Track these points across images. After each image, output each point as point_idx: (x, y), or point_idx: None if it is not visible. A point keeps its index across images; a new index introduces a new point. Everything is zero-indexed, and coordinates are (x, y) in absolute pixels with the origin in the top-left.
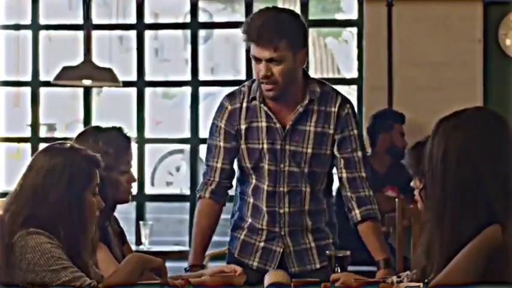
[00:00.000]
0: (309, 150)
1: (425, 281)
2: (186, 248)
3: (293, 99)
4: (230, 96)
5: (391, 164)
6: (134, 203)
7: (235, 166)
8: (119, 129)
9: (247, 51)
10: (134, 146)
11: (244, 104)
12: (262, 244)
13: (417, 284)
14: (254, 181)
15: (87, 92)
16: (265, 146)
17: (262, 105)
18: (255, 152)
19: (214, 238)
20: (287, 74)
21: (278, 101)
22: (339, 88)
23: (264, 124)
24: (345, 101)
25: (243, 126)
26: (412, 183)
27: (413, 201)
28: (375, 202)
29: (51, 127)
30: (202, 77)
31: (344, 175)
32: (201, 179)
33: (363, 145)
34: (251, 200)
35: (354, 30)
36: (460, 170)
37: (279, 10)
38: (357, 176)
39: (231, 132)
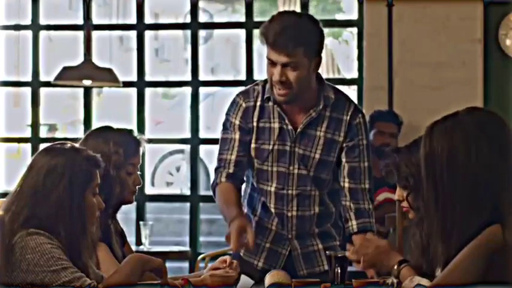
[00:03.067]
0: (317, 156)
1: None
2: (186, 248)
3: (306, 103)
4: (244, 94)
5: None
6: (134, 203)
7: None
8: (130, 131)
9: (248, 51)
10: (144, 148)
11: (258, 103)
12: (268, 245)
13: (427, 280)
14: (256, 181)
15: (87, 92)
16: (275, 147)
17: (275, 106)
18: (264, 152)
19: (214, 238)
20: (301, 80)
21: (291, 104)
22: (339, 88)
23: (276, 125)
24: (357, 110)
25: (255, 124)
26: (397, 194)
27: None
28: (372, 215)
29: (53, 127)
30: (202, 77)
31: (347, 185)
32: (201, 179)
33: (370, 156)
34: (261, 198)
35: (354, 30)
36: (469, 169)
37: (299, 15)
38: (359, 188)
39: (245, 128)
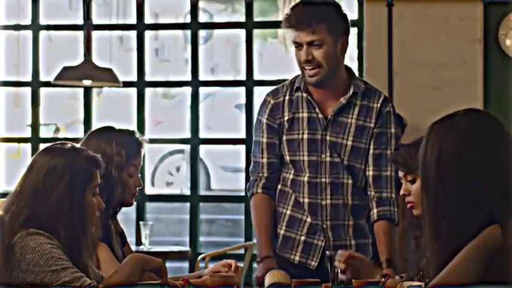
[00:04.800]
0: (349, 143)
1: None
2: (186, 248)
3: (336, 90)
4: (273, 92)
5: None
6: (134, 203)
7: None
8: (132, 132)
9: (248, 51)
10: (145, 149)
11: (287, 97)
12: (303, 238)
13: (419, 283)
14: (293, 174)
15: (87, 92)
16: (305, 136)
17: (305, 94)
18: (294, 142)
19: (214, 238)
20: (329, 57)
21: (322, 89)
22: None
23: (305, 115)
24: (387, 99)
25: (285, 119)
26: (403, 188)
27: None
28: (395, 204)
29: (57, 128)
30: (202, 77)
31: (371, 173)
32: (201, 179)
33: (395, 145)
34: (291, 192)
35: (354, 30)
36: (454, 171)
37: (325, 2)
38: (383, 175)
39: (273, 126)
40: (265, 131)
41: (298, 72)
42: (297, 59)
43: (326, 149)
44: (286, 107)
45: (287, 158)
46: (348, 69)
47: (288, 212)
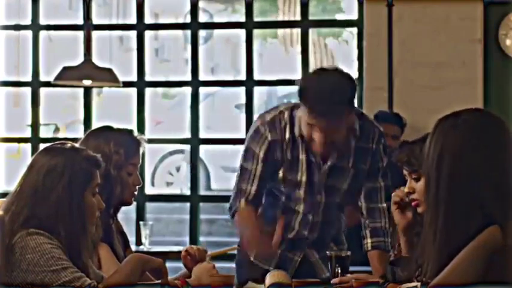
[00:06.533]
0: (345, 186)
1: (423, 279)
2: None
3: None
4: (269, 125)
5: None
6: (134, 203)
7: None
8: (130, 131)
9: (248, 51)
10: (144, 148)
11: (287, 135)
12: (279, 251)
13: (415, 283)
14: (286, 203)
15: (87, 92)
16: (303, 179)
17: (304, 143)
18: (292, 182)
19: (214, 238)
20: (339, 137)
21: None
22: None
23: (304, 157)
24: (380, 135)
25: (285, 156)
26: (407, 186)
27: (410, 204)
28: (388, 234)
29: (56, 127)
30: (202, 77)
31: (364, 204)
32: (201, 179)
33: (387, 175)
34: (282, 212)
35: (354, 30)
36: (453, 171)
37: (338, 76)
38: (376, 207)
39: (270, 160)
40: (260, 162)
41: (297, 72)
42: (307, 133)
43: (322, 192)
44: (286, 146)
45: (283, 190)
46: None
47: (270, 228)
